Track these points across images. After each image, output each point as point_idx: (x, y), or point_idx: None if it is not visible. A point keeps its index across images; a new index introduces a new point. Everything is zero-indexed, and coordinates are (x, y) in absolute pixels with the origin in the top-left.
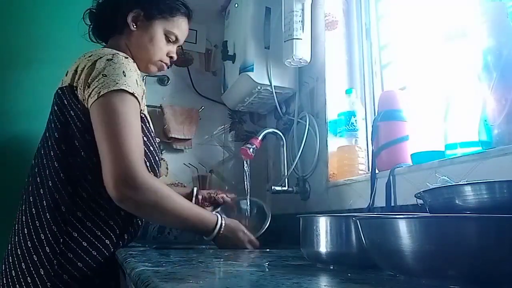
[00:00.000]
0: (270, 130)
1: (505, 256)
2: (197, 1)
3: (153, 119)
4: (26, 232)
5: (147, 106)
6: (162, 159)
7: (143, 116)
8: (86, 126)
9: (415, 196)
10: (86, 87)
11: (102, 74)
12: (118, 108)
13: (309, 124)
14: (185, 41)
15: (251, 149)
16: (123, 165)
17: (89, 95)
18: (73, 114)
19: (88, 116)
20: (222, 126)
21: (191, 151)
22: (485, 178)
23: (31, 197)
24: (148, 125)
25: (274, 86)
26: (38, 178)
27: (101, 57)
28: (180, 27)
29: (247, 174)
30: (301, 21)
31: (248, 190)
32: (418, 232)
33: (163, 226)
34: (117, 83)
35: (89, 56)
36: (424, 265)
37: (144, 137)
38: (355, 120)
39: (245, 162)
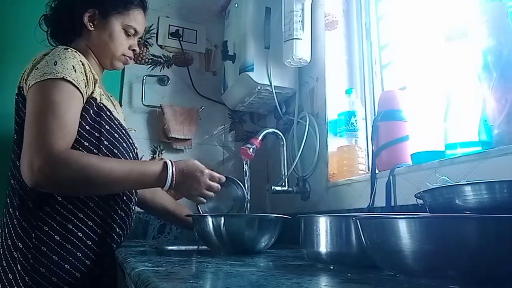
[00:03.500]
0: (270, 130)
1: (505, 256)
2: (197, 1)
3: (153, 119)
4: (6, 232)
5: (147, 106)
6: (161, 158)
7: (101, 105)
8: None
9: (415, 196)
10: (34, 70)
11: (35, 68)
12: (42, 95)
13: (309, 124)
14: (185, 41)
15: (251, 149)
16: (37, 146)
17: (33, 76)
18: (22, 115)
19: None
20: (222, 126)
21: (191, 151)
22: (485, 178)
23: (8, 199)
24: (109, 114)
25: (274, 86)
26: (11, 179)
27: (53, 49)
28: (137, 19)
29: (247, 174)
30: (301, 21)
31: (248, 190)
32: (418, 232)
33: (164, 225)
34: (44, 73)
35: (34, 57)
36: (424, 265)
37: (106, 125)
38: (355, 120)
39: (245, 162)
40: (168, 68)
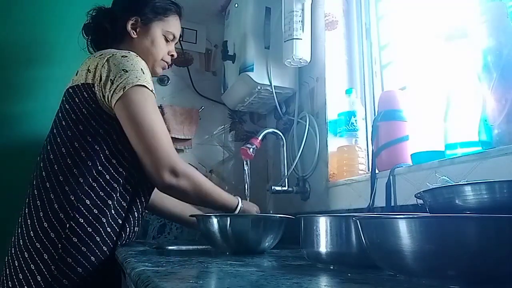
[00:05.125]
0: (270, 130)
1: (505, 256)
2: (197, 1)
3: None
4: (29, 223)
5: None
6: None
7: None
8: (100, 122)
9: (415, 196)
10: (109, 83)
11: (123, 70)
12: (142, 104)
13: (309, 124)
14: (185, 41)
15: (251, 149)
16: (163, 158)
17: (113, 91)
18: (85, 112)
19: (104, 112)
20: (222, 126)
21: (191, 151)
22: (485, 178)
23: (35, 191)
24: None
25: (274, 86)
26: (44, 173)
27: (113, 55)
28: (175, 25)
29: (247, 174)
30: (301, 21)
31: (248, 190)
32: (418, 232)
33: (164, 225)
34: (139, 79)
35: (100, 55)
36: (424, 265)
37: None
38: (355, 120)
39: (245, 162)
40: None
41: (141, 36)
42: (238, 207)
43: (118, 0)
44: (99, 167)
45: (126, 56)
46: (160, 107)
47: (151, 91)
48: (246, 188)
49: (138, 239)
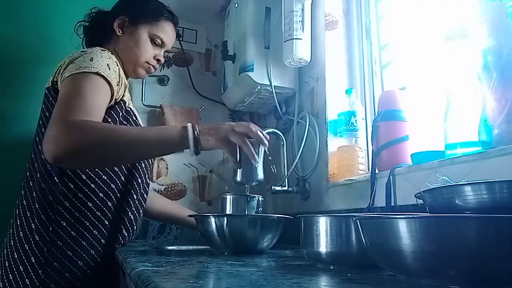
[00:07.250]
0: (270, 130)
1: (505, 256)
2: (197, 1)
3: (153, 119)
4: (18, 223)
5: (147, 106)
6: (161, 159)
7: (128, 109)
8: None
9: (415, 196)
10: (61, 77)
11: (72, 62)
12: (73, 84)
13: (309, 124)
14: (185, 41)
15: None
16: (56, 121)
17: (61, 81)
18: (51, 109)
19: None
20: None
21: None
22: (485, 178)
23: (22, 191)
24: (135, 118)
25: (274, 86)
26: (28, 172)
27: (77, 51)
28: (165, 31)
29: None
30: (301, 21)
31: (248, 190)
32: (418, 232)
33: (164, 225)
34: (80, 66)
35: (71, 54)
36: (424, 265)
37: None
38: (355, 120)
39: None
40: (168, 68)
41: (126, 35)
42: (189, 127)
43: (116, 2)
44: None
45: (85, 51)
46: (160, 107)
47: (96, 73)
48: (246, 188)
49: (138, 239)
